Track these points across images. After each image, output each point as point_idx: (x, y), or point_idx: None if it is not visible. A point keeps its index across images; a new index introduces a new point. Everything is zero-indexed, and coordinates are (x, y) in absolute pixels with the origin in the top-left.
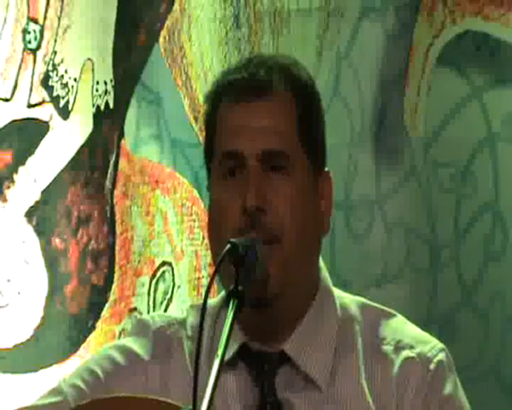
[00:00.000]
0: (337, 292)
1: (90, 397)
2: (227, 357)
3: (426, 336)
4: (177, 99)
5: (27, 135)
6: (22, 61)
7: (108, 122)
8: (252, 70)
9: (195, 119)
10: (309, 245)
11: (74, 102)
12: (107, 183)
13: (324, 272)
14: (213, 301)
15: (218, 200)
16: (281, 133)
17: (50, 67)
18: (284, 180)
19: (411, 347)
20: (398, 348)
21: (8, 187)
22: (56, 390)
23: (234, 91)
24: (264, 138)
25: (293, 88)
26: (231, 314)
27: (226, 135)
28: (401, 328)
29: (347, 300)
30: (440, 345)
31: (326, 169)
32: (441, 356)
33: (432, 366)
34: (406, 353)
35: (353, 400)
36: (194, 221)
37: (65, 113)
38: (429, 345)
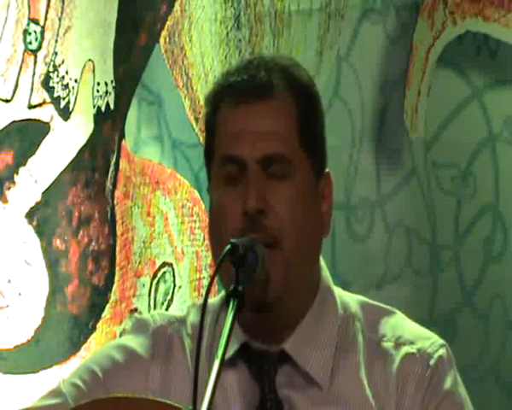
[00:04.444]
0: (338, 291)
1: (90, 397)
2: (228, 356)
3: (426, 332)
4: (178, 100)
5: (28, 136)
6: (23, 61)
7: (109, 123)
8: (252, 71)
9: (196, 119)
10: (310, 247)
11: (75, 102)
12: (108, 184)
13: (325, 272)
14: (214, 300)
15: (218, 203)
16: (281, 137)
17: (51, 68)
18: (285, 183)
19: (411, 343)
20: (399, 344)
21: (9, 188)
22: (56, 391)
23: (234, 93)
24: (264, 143)
25: (294, 89)
26: (231, 315)
27: (226, 139)
28: (401, 325)
29: (348, 298)
30: (441, 341)
31: (326, 170)
32: (441, 352)
33: (432, 362)
34: (406, 349)
35: (354, 397)
36: (195, 222)
37: (65, 114)
38: (430, 341)
